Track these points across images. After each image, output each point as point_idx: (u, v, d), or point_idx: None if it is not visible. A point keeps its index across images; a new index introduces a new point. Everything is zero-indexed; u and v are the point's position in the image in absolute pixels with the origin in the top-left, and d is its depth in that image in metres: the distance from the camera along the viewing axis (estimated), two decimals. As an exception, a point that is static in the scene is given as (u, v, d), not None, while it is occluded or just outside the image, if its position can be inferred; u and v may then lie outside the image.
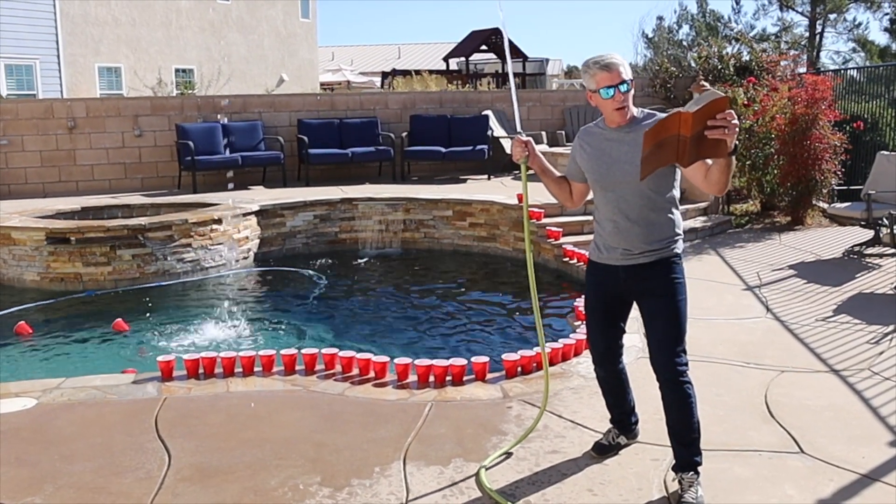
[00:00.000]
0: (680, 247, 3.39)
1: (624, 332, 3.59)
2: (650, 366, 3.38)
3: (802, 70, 12.38)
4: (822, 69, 16.09)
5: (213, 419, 4.21)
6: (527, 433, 3.92)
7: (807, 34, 30.51)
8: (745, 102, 10.29)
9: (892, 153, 8.67)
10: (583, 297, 3.75)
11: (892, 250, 7.78)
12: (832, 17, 30.57)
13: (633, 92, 3.27)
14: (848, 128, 9.93)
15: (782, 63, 12.76)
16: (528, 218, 3.77)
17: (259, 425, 4.13)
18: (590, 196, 3.57)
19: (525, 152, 3.52)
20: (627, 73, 3.22)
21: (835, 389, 4.55)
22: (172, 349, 6.13)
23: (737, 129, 2.74)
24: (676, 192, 3.36)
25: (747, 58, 13.35)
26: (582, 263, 7.80)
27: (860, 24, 30.79)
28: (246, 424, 4.14)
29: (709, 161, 3.01)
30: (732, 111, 2.71)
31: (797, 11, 30.46)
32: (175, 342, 6.37)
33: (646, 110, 3.36)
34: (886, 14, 30.51)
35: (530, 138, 3.56)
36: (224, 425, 4.13)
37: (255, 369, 4.90)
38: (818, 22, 30.09)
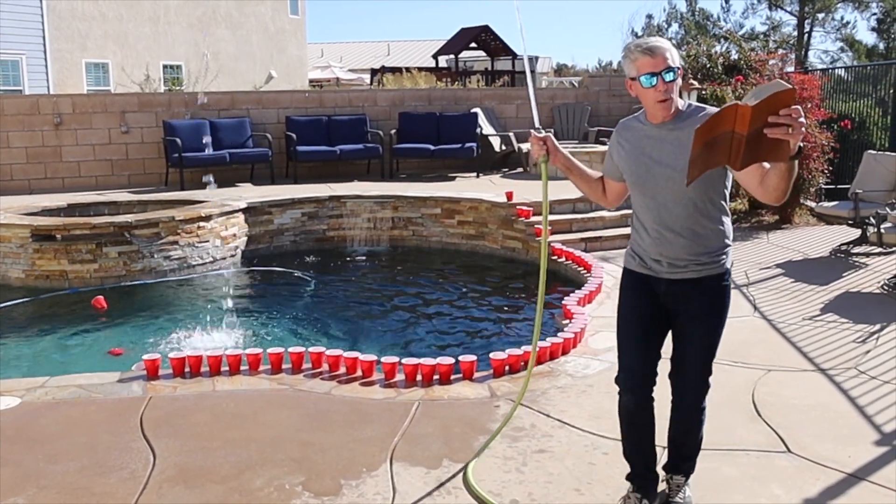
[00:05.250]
0: (730, 260, 3.01)
1: (660, 356, 3.11)
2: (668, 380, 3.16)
3: (791, 69, 12.42)
4: (811, 68, 16.14)
5: (199, 418, 4.18)
6: (502, 425, 3.91)
7: (795, 33, 30.67)
8: (734, 101, 10.31)
9: (880, 152, 8.71)
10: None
11: (879, 249, 7.81)
12: (820, 16, 30.77)
13: (679, 82, 2.87)
14: (835, 127, 9.96)
15: (770, 62, 12.79)
16: (547, 224, 3.42)
17: (245, 424, 4.10)
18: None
19: (543, 149, 3.18)
20: (675, 60, 2.81)
21: (821, 388, 4.56)
22: (158, 347, 6.08)
23: (803, 129, 2.31)
24: (727, 198, 2.99)
25: (736, 56, 13.34)
26: (571, 262, 7.80)
27: (848, 23, 31.04)
28: (232, 424, 4.11)
29: (766, 164, 2.59)
30: (799, 107, 2.29)
31: (786, 10, 30.63)
32: (161, 340, 6.33)
33: (694, 103, 2.95)
34: (874, 14, 30.73)
35: (549, 133, 3.23)
36: (209, 424, 4.10)
37: (242, 368, 4.87)
38: (806, 21, 30.28)
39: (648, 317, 3.07)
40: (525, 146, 12.33)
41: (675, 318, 3.05)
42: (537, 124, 3.46)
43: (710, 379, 3.11)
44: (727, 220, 2.99)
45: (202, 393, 4.55)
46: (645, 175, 2.93)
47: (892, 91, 9.74)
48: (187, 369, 4.83)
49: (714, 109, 2.70)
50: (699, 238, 2.91)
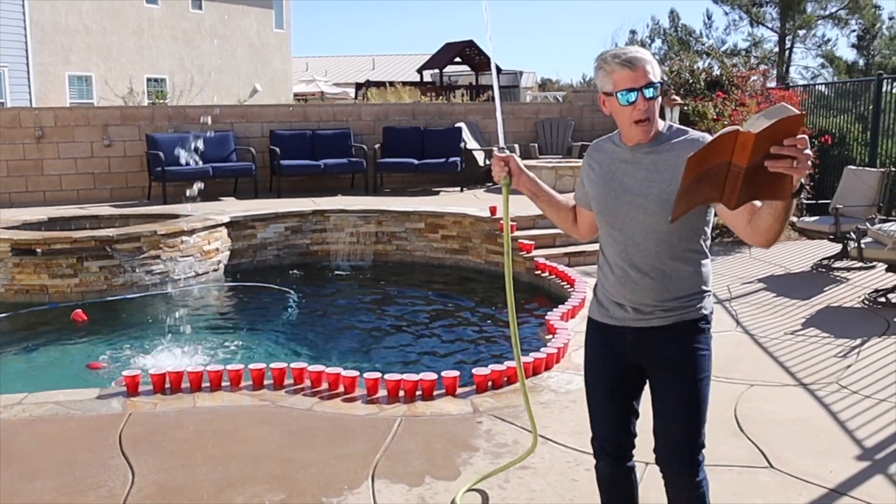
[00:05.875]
0: (708, 306, 2.57)
1: (637, 414, 2.71)
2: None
3: (772, 85, 12.53)
4: (792, 84, 16.29)
5: (179, 435, 4.15)
6: (519, 459, 3.79)
7: (777, 49, 30.98)
8: (715, 117, 10.38)
9: (860, 168, 8.78)
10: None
11: (860, 264, 7.86)
12: (801, 32, 31.11)
13: (660, 100, 2.52)
14: (816, 142, 10.04)
15: (752, 78, 12.90)
16: (509, 245, 3.03)
17: (225, 441, 4.07)
18: None
19: (505, 170, 2.78)
20: (656, 74, 2.44)
21: (803, 403, 4.57)
22: (138, 363, 6.03)
23: (809, 163, 1.94)
24: (707, 236, 2.56)
25: (718, 72, 13.46)
26: (554, 276, 7.80)
27: (828, 39, 31.48)
28: (212, 440, 4.08)
29: (757, 202, 2.22)
30: (806, 137, 1.91)
31: (767, 27, 30.96)
32: (142, 355, 6.28)
33: (675, 125, 2.57)
34: (853, 31, 31.10)
35: (512, 154, 2.81)
36: (190, 441, 4.07)
37: (223, 384, 4.84)
38: (788, 37, 30.59)
39: (616, 379, 2.67)
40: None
41: (649, 376, 2.63)
42: (502, 142, 3.10)
43: (702, 454, 2.61)
44: (706, 264, 2.57)
45: (183, 409, 4.51)
46: (613, 203, 2.56)
47: (871, 107, 9.83)
48: (168, 385, 4.79)
49: (698, 134, 2.50)
50: (669, 281, 2.51)
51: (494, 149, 2.86)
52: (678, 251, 2.50)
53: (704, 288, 2.57)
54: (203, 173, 11.48)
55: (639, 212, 2.49)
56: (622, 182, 2.54)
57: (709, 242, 2.57)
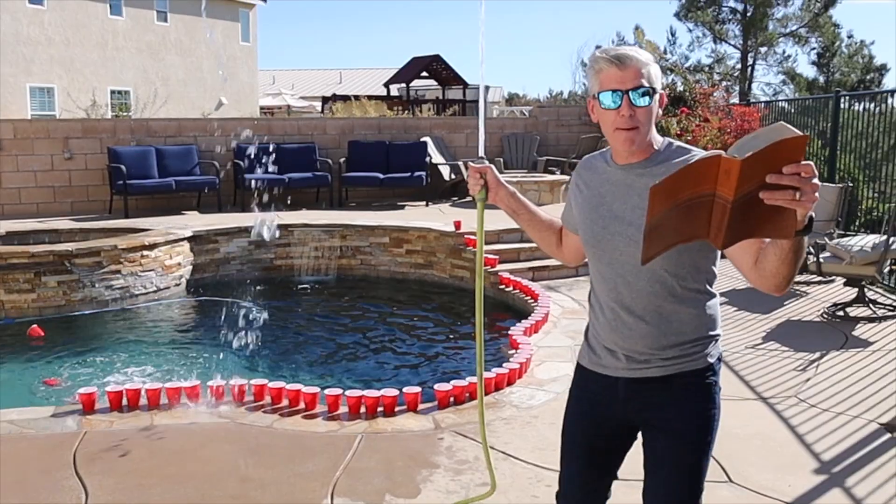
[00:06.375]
0: (715, 353, 2.20)
1: (616, 477, 2.38)
2: None
3: (735, 100, 12.72)
4: (754, 100, 16.54)
5: (136, 454, 4.07)
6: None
7: (739, 66, 31.47)
8: (679, 132, 10.51)
9: (820, 183, 8.90)
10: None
11: (819, 278, 7.97)
12: (763, 49, 31.63)
13: (657, 110, 2.13)
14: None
15: (715, 94, 13.11)
16: (481, 265, 2.52)
17: (183, 460, 4.00)
18: None
19: (480, 183, 2.41)
20: (652, 80, 2.09)
21: (762, 417, 4.61)
22: (96, 380, 5.93)
23: (816, 195, 1.58)
24: (713, 273, 2.20)
25: (682, 88, 13.65)
26: (518, 291, 7.81)
27: (789, 57, 31.99)
28: (169, 459, 4.01)
29: (765, 238, 1.86)
30: (811, 164, 1.56)
31: (730, 44, 31.46)
32: (99, 373, 6.17)
33: (676, 142, 2.20)
34: (813, 48, 31.71)
35: (490, 165, 2.44)
36: (146, 460, 4.00)
37: (182, 401, 4.77)
38: (750, 54, 31.09)
39: (599, 448, 2.32)
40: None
41: (644, 434, 2.26)
42: (482, 152, 2.64)
43: None
44: (712, 305, 2.20)
45: (140, 427, 4.43)
46: (601, 233, 2.19)
47: (829, 123, 9.99)
48: (125, 402, 4.71)
49: (700, 151, 2.13)
50: (668, 325, 2.15)
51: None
52: (677, 291, 2.13)
53: (711, 333, 2.19)
54: (166, 187, 11.38)
55: (630, 244, 2.12)
56: (611, 209, 2.18)
57: (716, 280, 2.21)
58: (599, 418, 2.30)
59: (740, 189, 1.57)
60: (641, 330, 2.15)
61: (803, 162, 1.54)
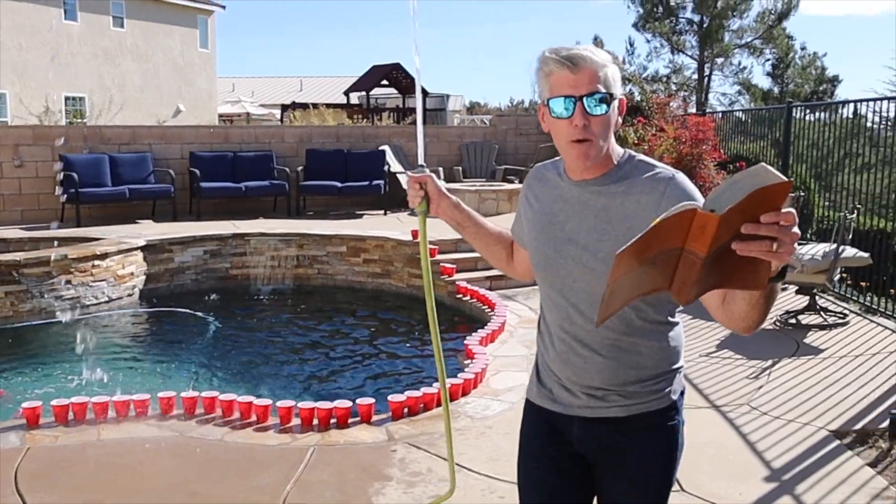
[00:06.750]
0: (678, 388, 2.01)
1: None
2: None
3: (693, 110, 12.87)
4: (710, 110, 16.76)
5: (81, 470, 3.98)
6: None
7: (696, 76, 31.89)
8: (636, 142, 10.60)
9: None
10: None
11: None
12: (719, 60, 32.08)
13: (616, 118, 1.89)
14: (731, 167, 10.31)
15: (672, 104, 13.25)
16: (429, 278, 2.30)
17: (130, 475, 3.92)
18: None
19: (420, 194, 2.15)
20: (610, 84, 1.84)
21: (715, 425, 4.64)
22: (41, 394, 5.79)
23: (795, 245, 1.35)
24: (675, 303, 1.97)
25: (639, 98, 13.77)
26: (475, 300, 7.80)
27: (745, 68, 32.48)
28: (116, 475, 3.92)
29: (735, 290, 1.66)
30: (793, 211, 1.34)
31: (687, 55, 31.85)
32: (45, 386, 6.03)
33: (638, 155, 1.96)
34: (768, 60, 32.27)
35: (431, 174, 2.18)
36: (92, 477, 3.90)
37: (130, 414, 4.67)
38: (706, 65, 31.51)
39: (553, 469, 2.07)
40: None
41: (598, 476, 2.05)
42: (421, 160, 2.30)
43: None
44: (675, 334, 2.00)
45: (86, 442, 4.33)
46: (553, 256, 1.96)
47: (782, 134, 10.14)
48: (71, 416, 4.60)
49: (670, 172, 1.89)
50: (626, 359, 1.94)
51: (420, 167, 2.21)
52: (636, 324, 1.92)
53: (674, 366, 2.00)
54: (119, 195, 11.20)
55: (584, 272, 1.90)
56: (564, 229, 1.95)
57: (678, 308, 2.00)
58: (552, 454, 2.07)
59: (715, 244, 1.38)
60: (597, 364, 1.93)
61: (783, 210, 1.33)
